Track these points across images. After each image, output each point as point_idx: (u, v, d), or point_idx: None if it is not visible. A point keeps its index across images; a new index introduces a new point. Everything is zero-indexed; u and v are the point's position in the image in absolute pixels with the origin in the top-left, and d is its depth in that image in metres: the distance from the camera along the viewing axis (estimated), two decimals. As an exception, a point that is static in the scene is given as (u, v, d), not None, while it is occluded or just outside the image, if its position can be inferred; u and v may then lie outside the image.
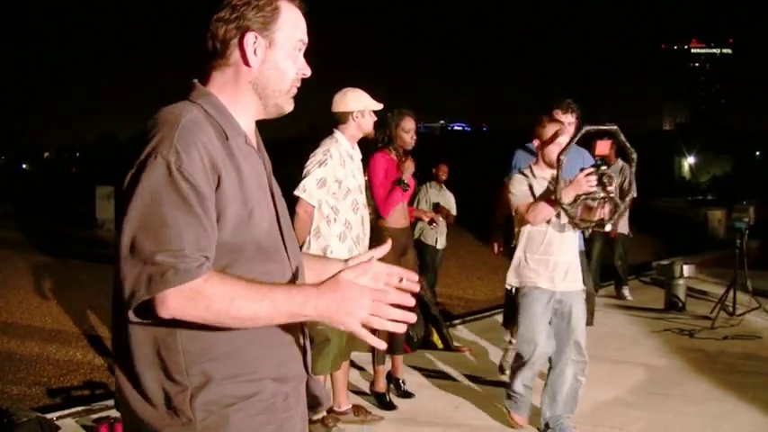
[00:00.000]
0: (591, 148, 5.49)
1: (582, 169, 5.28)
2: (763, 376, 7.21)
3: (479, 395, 6.71)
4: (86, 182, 33.10)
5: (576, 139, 5.21)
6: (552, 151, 5.39)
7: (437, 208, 10.87)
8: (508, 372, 6.25)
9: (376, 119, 5.81)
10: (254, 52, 2.21)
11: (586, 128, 5.13)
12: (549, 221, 5.44)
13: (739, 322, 9.45)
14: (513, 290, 5.66)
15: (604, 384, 6.66)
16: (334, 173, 5.46)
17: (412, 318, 2.09)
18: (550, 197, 5.29)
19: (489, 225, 7.53)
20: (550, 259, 5.49)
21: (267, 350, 2.18)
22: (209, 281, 1.98)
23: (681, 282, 10.46)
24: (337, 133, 5.66)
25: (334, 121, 5.72)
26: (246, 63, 2.21)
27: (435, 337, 8.19)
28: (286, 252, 2.29)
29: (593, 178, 5.16)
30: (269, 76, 2.24)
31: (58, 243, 19.45)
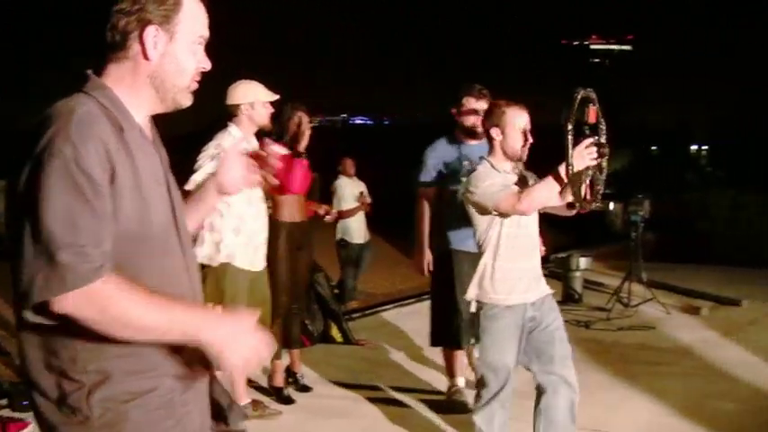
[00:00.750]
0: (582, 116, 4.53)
1: (572, 140, 4.44)
2: (655, 366, 7.38)
3: (379, 388, 6.73)
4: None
5: (575, 109, 4.42)
6: (516, 140, 4.65)
7: (361, 197, 11.02)
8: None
9: (273, 110, 5.75)
10: (155, 46, 2.17)
11: (581, 93, 4.42)
12: (519, 223, 4.64)
13: (634, 313, 9.65)
14: (475, 306, 4.73)
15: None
16: None
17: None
18: (555, 174, 4.47)
19: (416, 238, 6.42)
20: (523, 266, 4.69)
21: (168, 347, 2.16)
22: (107, 284, 1.98)
23: (578, 274, 10.62)
24: (231, 126, 5.59)
25: (229, 115, 5.66)
26: (146, 57, 2.18)
27: (335, 331, 8.17)
28: (181, 246, 2.28)
29: (594, 150, 4.41)
30: (168, 70, 2.21)
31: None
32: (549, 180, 4.50)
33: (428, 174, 6.27)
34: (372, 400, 6.39)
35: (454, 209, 5.80)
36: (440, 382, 6.70)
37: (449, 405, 6.20)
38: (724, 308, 10.18)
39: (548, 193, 4.52)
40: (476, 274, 4.72)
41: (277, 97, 5.73)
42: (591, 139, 4.40)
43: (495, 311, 4.64)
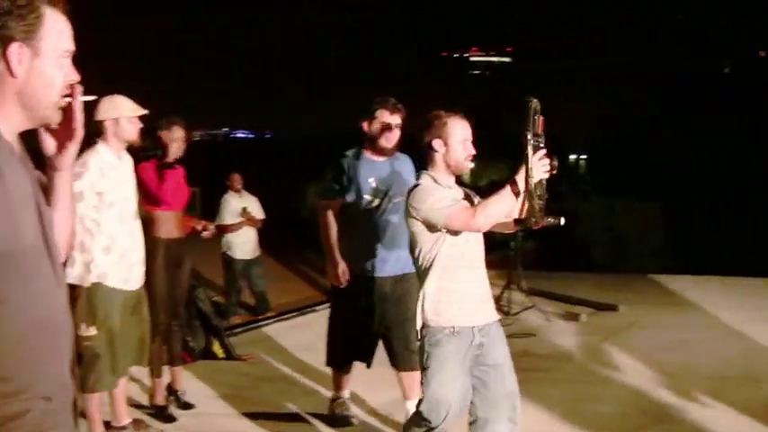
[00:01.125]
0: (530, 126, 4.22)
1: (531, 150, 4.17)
2: (536, 372, 7.48)
3: (262, 403, 6.68)
4: None
5: (532, 119, 4.16)
6: (460, 152, 4.39)
7: (244, 212, 10.98)
8: None
9: (141, 125, 5.61)
10: (20, 62, 2.12)
11: (534, 103, 4.16)
12: (467, 240, 4.37)
13: (514, 321, 9.76)
14: (419, 332, 4.37)
15: (386, 388, 6.73)
16: (92, 185, 5.22)
17: None
18: (513, 186, 4.18)
19: (325, 250, 6.07)
20: (470, 286, 4.38)
21: (37, 367, 2.11)
22: None
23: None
24: (99, 143, 5.44)
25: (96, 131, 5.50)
26: (12, 74, 2.13)
27: (216, 347, 8.09)
28: (53, 266, 2.22)
29: (547, 161, 4.17)
30: (35, 86, 2.16)
31: None
32: (507, 192, 4.22)
33: (332, 187, 5.97)
34: (255, 416, 6.33)
35: (360, 226, 5.78)
36: (322, 395, 6.69)
37: (332, 418, 6.16)
38: (602, 313, 10.41)
39: (504, 207, 4.26)
40: (420, 297, 4.37)
41: (144, 112, 5.54)
42: (544, 151, 4.17)
43: (440, 337, 4.29)
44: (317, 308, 10.78)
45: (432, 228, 4.31)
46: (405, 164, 5.92)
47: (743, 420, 6.14)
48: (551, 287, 11.56)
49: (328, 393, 6.40)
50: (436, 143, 4.39)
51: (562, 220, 4.28)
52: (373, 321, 5.80)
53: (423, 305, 4.35)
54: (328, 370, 6.26)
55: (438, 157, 4.41)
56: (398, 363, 5.79)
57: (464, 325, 4.30)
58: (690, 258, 16.05)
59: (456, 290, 4.32)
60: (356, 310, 5.85)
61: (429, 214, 4.28)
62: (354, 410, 6.22)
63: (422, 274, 4.41)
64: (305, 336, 9.07)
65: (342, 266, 5.90)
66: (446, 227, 4.27)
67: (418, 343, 4.42)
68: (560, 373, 7.59)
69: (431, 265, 4.34)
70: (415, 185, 4.47)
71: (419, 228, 4.36)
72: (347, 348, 6.02)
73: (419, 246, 4.39)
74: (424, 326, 4.35)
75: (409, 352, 5.57)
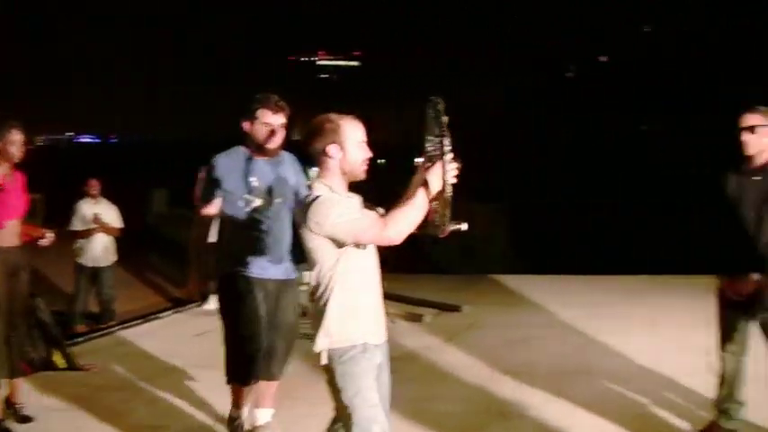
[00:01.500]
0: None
1: (425, 155, 4.01)
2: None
3: (104, 413, 6.53)
4: None
5: (444, 121, 3.83)
6: (358, 156, 4.03)
7: (95, 219, 10.80)
8: None
9: None
10: None
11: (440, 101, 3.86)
12: (368, 253, 4.04)
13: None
14: (326, 356, 3.98)
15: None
16: None
17: None
18: (426, 192, 3.89)
19: (190, 260, 5.88)
20: (373, 301, 4.09)
21: None
22: None
23: (303, 288, 10.71)
24: None
25: None
26: None
27: (57, 357, 7.89)
28: None
29: (455, 165, 3.89)
30: None
31: None
32: (421, 200, 3.90)
33: (210, 190, 5.68)
34: (97, 428, 6.24)
35: (242, 228, 5.57)
36: (168, 404, 6.62)
37: None
38: (445, 314, 10.60)
39: (417, 217, 3.92)
40: (324, 320, 3.96)
41: None
42: (451, 155, 3.87)
43: (353, 354, 3.95)
44: (162, 315, 10.67)
45: (338, 243, 3.91)
46: (290, 165, 5.75)
47: (581, 413, 6.39)
48: (396, 289, 11.62)
49: (173, 401, 6.35)
50: (332, 149, 3.99)
51: (465, 226, 4.00)
52: (264, 325, 5.60)
53: (326, 324, 3.96)
54: (173, 377, 6.20)
55: (333, 164, 4.01)
56: (272, 372, 5.71)
57: (371, 342, 4.02)
58: (533, 259, 16.53)
59: (360, 306, 4.00)
60: (249, 314, 5.57)
61: (335, 230, 3.87)
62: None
63: (322, 291, 3.99)
64: (149, 343, 8.97)
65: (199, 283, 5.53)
66: (356, 241, 3.92)
67: (323, 364, 4.02)
68: (404, 374, 7.65)
69: (333, 282, 3.95)
70: (315, 198, 3.95)
71: (320, 243, 3.94)
72: (250, 357, 5.64)
73: (319, 262, 3.98)
74: (329, 347, 3.96)
75: (284, 362, 5.56)
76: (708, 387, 6.01)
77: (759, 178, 5.41)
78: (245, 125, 5.61)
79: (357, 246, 3.94)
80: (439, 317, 10.45)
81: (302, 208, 4.00)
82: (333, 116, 4.06)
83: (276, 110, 5.56)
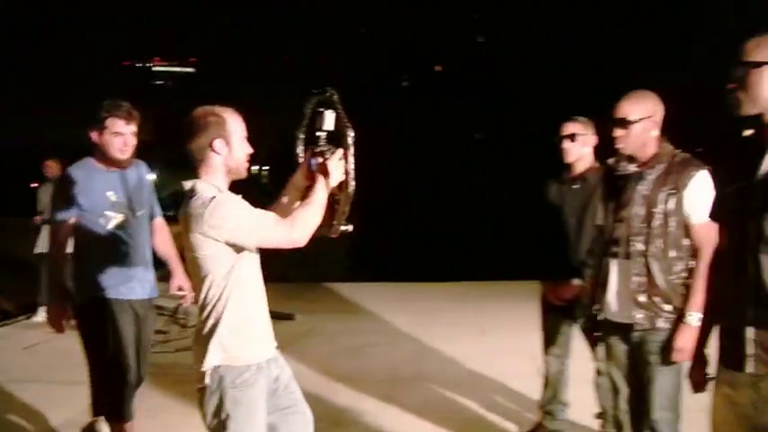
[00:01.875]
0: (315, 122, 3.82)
1: (312, 150, 3.83)
2: (194, 384, 7.46)
3: None
4: None
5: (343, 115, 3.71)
6: (242, 151, 3.71)
7: None
8: None
9: None
10: None
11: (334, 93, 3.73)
12: (257, 260, 3.77)
13: (192, 334, 9.68)
14: (217, 378, 3.66)
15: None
16: None
17: None
18: (327, 189, 3.70)
19: (49, 285, 5.44)
20: (263, 312, 3.83)
21: None
22: None
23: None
24: None
25: None
26: None
27: None
28: None
29: (344, 163, 3.72)
30: None
31: None
32: (320, 199, 3.67)
33: (65, 208, 5.17)
34: None
35: (103, 246, 5.15)
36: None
37: None
38: (280, 322, 10.51)
39: (319, 216, 3.66)
40: (213, 334, 3.63)
41: None
42: (341, 151, 3.72)
43: (247, 376, 3.65)
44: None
45: (237, 248, 3.59)
46: (144, 172, 5.44)
47: (414, 420, 6.48)
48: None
49: (15, 419, 6.10)
50: (217, 144, 3.65)
51: (351, 227, 3.82)
52: (133, 353, 5.22)
53: (217, 341, 3.63)
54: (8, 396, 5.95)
55: (218, 160, 3.67)
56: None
57: (264, 358, 3.77)
58: (369, 266, 16.67)
59: (254, 318, 3.74)
60: (119, 343, 5.13)
61: (236, 233, 3.53)
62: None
63: (212, 305, 3.65)
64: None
65: (67, 310, 5.21)
66: (261, 244, 3.64)
67: (203, 385, 3.70)
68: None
69: (226, 294, 3.63)
70: (210, 199, 3.55)
71: (214, 250, 3.57)
72: (127, 392, 5.24)
73: (210, 272, 3.61)
74: (219, 367, 3.64)
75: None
76: (535, 390, 6.19)
77: (578, 186, 5.59)
78: (94, 135, 5.17)
79: (250, 250, 3.66)
80: (274, 325, 10.32)
81: (190, 212, 3.57)
82: (216, 109, 3.72)
83: (127, 118, 5.17)
